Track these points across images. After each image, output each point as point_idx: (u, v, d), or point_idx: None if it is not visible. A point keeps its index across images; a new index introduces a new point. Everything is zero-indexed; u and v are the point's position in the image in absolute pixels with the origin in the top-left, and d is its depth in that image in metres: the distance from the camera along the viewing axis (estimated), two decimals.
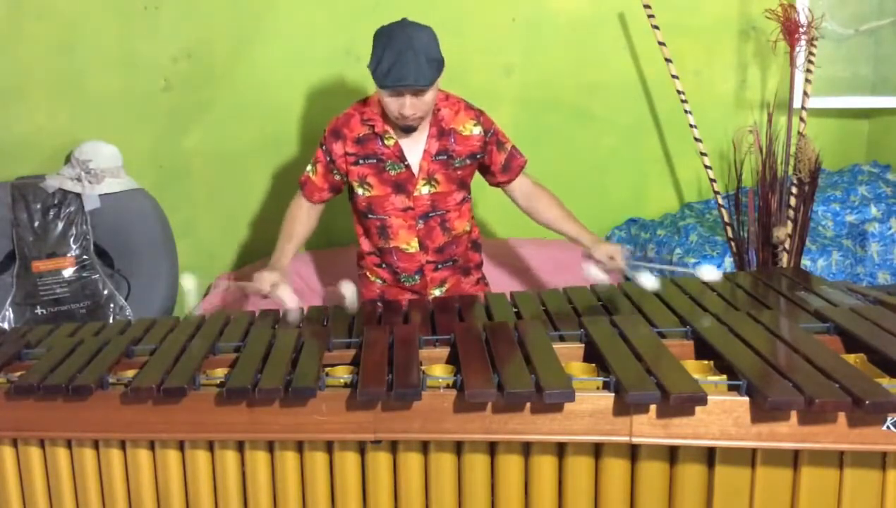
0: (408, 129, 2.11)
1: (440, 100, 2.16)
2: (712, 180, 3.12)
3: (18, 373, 1.67)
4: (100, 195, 3.05)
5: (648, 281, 1.99)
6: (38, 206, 3.03)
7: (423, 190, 2.19)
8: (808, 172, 2.92)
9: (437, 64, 2.00)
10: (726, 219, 3.08)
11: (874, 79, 3.44)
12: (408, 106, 2.01)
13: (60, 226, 3.04)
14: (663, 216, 3.49)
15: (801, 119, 3.03)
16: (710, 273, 2.01)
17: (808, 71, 3.06)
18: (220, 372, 1.64)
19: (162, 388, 1.52)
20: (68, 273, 3.05)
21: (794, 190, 2.98)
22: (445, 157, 2.18)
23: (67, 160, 3.12)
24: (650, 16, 3.05)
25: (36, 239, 3.03)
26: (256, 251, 3.35)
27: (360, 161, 2.17)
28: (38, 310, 3.02)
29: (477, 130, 2.20)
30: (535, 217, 2.32)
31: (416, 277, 2.27)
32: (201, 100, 3.20)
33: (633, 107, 3.42)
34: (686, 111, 3.11)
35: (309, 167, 2.26)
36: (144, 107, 3.18)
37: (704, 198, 3.51)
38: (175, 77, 3.17)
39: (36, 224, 3.03)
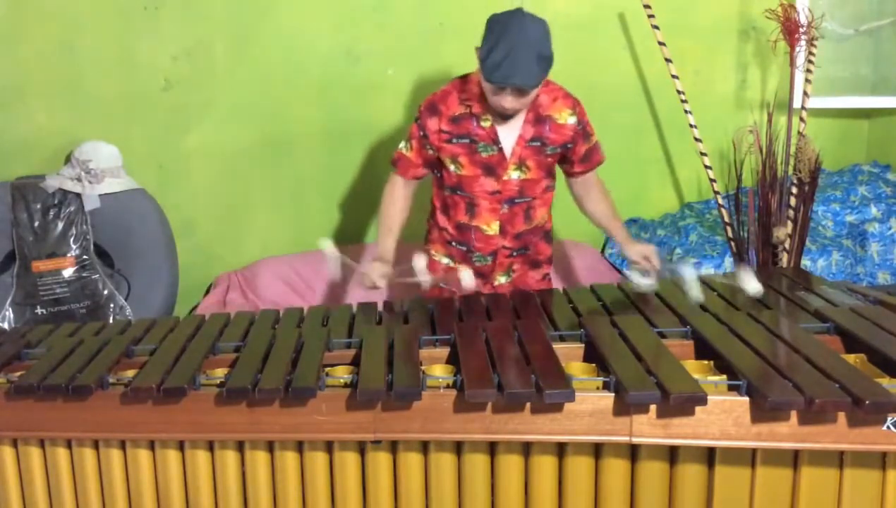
0: (505, 117, 2.11)
1: None
2: (712, 180, 3.12)
3: (18, 373, 1.67)
4: (100, 195, 3.04)
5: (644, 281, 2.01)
6: (38, 206, 3.02)
7: (513, 175, 2.18)
8: (808, 172, 2.92)
9: (547, 62, 1.99)
10: (726, 219, 3.08)
11: (874, 79, 3.44)
12: (509, 101, 2.01)
13: (60, 226, 3.04)
14: (663, 216, 3.49)
15: (801, 119, 3.03)
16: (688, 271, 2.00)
17: (808, 71, 3.06)
18: (220, 372, 1.64)
19: (162, 388, 1.52)
20: (68, 273, 3.05)
21: (794, 190, 2.97)
22: (539, 144, 2.17)
23: (67, 160, 3.12)
24: (650, 16, 3.05)
25: (36, 239, 3.03)
26: (257, 251, 3.35)
27: (454, 140, 2.16)
28: (38, 310, 3.02)
29: (572, 120, 2.18)
30: (584, 206, 2.33)
31: (489, 258, 2.27)
32: (201, 100, 3.20)
33: (633, 107, 3.41)
34: (686, 111, 3.11)
35: (402, 144, 2.24)
36: (144, 107, 3.18)
37: (704, 198, 3.51)
38: (175, 77, 3.17)
39: (36, 224, 3.03)
